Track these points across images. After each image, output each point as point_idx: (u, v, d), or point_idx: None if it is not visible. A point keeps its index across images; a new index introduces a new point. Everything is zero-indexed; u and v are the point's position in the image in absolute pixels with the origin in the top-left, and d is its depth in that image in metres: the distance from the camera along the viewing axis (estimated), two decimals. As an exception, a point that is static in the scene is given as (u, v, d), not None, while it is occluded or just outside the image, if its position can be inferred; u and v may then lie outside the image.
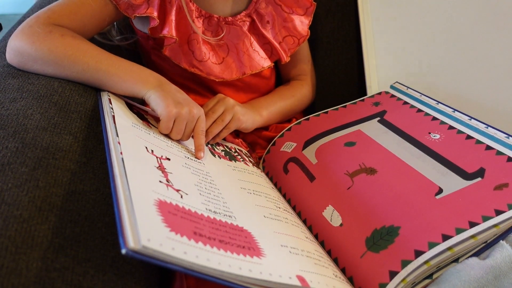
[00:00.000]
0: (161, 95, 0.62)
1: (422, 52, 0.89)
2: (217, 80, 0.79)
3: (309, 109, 0.96)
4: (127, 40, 0.84)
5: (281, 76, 0.95)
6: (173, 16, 0.73)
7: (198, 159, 0.62)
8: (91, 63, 0.63)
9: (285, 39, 0.83)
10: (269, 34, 0.81)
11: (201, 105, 0.71)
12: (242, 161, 0.72)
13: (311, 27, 0.84)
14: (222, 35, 0.78)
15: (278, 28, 0.82)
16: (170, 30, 0.73)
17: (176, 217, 0.41)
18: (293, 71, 0.93)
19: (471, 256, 0.51)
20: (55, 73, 0.64)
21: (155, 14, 0.71)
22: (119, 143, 0.49)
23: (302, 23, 0.83)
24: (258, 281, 0.40)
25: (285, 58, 0.83)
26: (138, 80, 0.63)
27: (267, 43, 0.82)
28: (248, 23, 0.81)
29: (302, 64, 0.93)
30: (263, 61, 0.81)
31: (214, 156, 0.67)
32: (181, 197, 0.47)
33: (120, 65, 0.64)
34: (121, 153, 0.47)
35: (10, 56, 0.64)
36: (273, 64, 0.83)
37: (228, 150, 0.73)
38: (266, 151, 0.79)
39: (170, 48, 0.76)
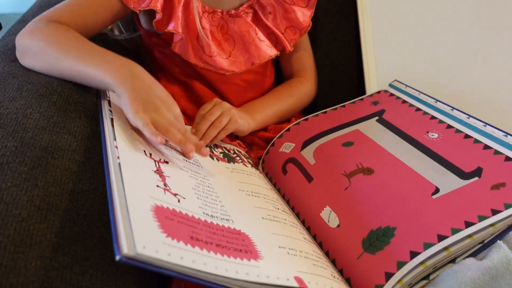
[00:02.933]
0: (130, 96, 0.55)
1: (422, 51, 0.89)
2: (227, 74, 0.79)
3: (309, 109, 0.96)
4: (130, 38, 0.85)
5: (282, 71, 0.95)
6: (180, 13, 0.74)
7: (188, 158, 0.60)
8: (71, 52, 0.62)
9: (287, 30, 0.83)
10: (271, 25, 0.82)
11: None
12: (241, 162, 0.72)
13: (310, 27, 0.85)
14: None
15: (280, 19, 0.83)
16: (176, 27, 0.73)
17: (172, 222, 0.41)
18: (294, 65, 0.93)
19: (468, 256, 0.51)
20: (40, 65, 0.64)
21: (159, 7, 0.71)
22: (116, 147, 0.49)
23: (304, 14, 0.83)
24: (256, 285, 0.40)
25: (289, 47, 0.83)
26: (108, 69, 0.58)
27: (271, 33, 0.83)
28: (251, 15, 0.82)
29: (303, 57, 0.92)
30: (269, 50, 0.82)
31: (213, 158, 0.67)
32: (178, 201, 0.47)
33: (97, 54, 0.61)
34: (118, 157, 0.47)
35: (17, 54, 0.67)
36: (279, 52, 0.83)
37: (226, 152, 0.73)
38: (265, 152, 0.79)
39: (179, 45, 0.77)
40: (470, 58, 0.86)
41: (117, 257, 0.34)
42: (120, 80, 0.57)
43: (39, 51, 0.63)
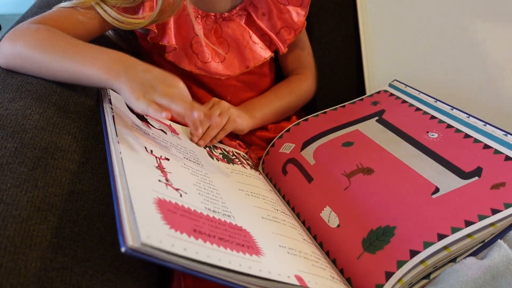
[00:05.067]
0: (128, 87, 0.55)
1: (421, 50, 0.89)
2: (223, 78, 0.79)
3: (309, 108, 0.95)
4: (126, 41, 0.84)
5: (281, 69, 0.95)
6: (171, 25, 0.74)
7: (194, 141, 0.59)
8: (58, 52, 0.60)
9: (281, 30, 0.83)
10: (265, 26, 0.82)
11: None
12: (240, 164, 0.72)
13: (309, 27, 0.84)
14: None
15: (274, 19, 0.83)
16: (170, 40, 0.74)
17: (175, 215, 0.42)
18: (293, 63, 0.92)
19: (468, 256, 0.51)
20: (30, 70, 0.62)
21: (153, 25, 0.71)
22: (118, 142, 0.49)
23: (298, 14, 0.83)
24: (257, 280, 0.40)
25: (283, 49, 0.83)
26: (100, 66, 0.57)
27: (265, 34, 0.82)
28: (244, 17, 0.82)
29: (301, 55, 0.92)
30: (264, 52, 0.82)
31: (213, 158, 0.67)
32: (180, 196, 0.47)
33: (85, 52, 0.60)
34: (120, 152, 0.47)
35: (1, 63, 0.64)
36: (273, 54, 0.83)
37: (226, 153, 0.73)
38: (265, 153, 0.79)
39: (173, 54, 0.77)
40: (469, 57, 0.86)
41: (123, 249, 0.35)
42: (115, 75, 0.56)
43: (25, 57, 0.61)
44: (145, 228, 0.36)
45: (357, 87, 0.98)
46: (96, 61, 0.58)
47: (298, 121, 0.81)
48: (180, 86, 0.58)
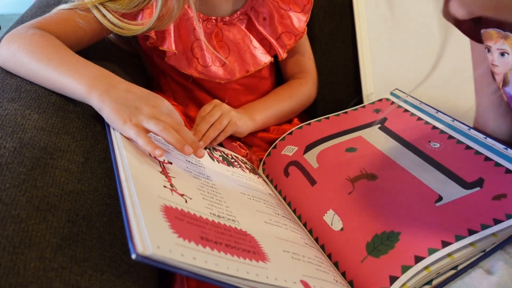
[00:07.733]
0: (111, 108, 0.54)
1: (417, 52, 0.89)
2: (222, 82, 0.79)
3: (310, 110, 0.95)
4: (126, 42, 0.84)
5: (282, 74, 0.95)
6: (171, 30, 0.74)
7: (187, 154, 0.56)
8: (44, 60, 0.59)
9: (281, 35, 0.83)
10: (265, 31, 0.82)
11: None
12: (239, 167, 0.72)
13: (309, 28, 0.84)
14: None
15: (275, 25, 0.82)
16: (169, 45, 0.74)
17: (182, 223, 0.42)
18: (293, 68, 0.92)
19: (471, 264, 0.51)
20: (20, 73, 0.61)
21: (152, 32, 0.71)
22: (123, 147, 0.50)
23: (299, 20, 0.83)
24: (264, 286, 0.40)
25: (282, 55, 0.83)
26: (81, 82, 0.56)
27: (264, 39, 0.82)
28: (245, 21, 0.82)
29: (302, 61, 0.92)
30: (264, 58, 0.82)
31: (213, 160, 0.67)
32: (186, 201, 0.47)
33: (70, 64, 0.59)
34: (126, 158, 0.47)
35: None
36: (272, 59, 0.83)
37: (225, 156, 0.73)
38: (266, 154, 0.79)
39: (173, 58, 0.77)
40: (466, 61, 0.86)
41: (133, 256, 0.35)
42: (97, 93, 0.55)
43: (16, 60, 0.61)
44: (154, 238, 0.37)
45: (356, 87, 0.98)
46: (78, 75, 0.57)
47: (300, 125, 0.81)
48: (165, 104, 0.58)
